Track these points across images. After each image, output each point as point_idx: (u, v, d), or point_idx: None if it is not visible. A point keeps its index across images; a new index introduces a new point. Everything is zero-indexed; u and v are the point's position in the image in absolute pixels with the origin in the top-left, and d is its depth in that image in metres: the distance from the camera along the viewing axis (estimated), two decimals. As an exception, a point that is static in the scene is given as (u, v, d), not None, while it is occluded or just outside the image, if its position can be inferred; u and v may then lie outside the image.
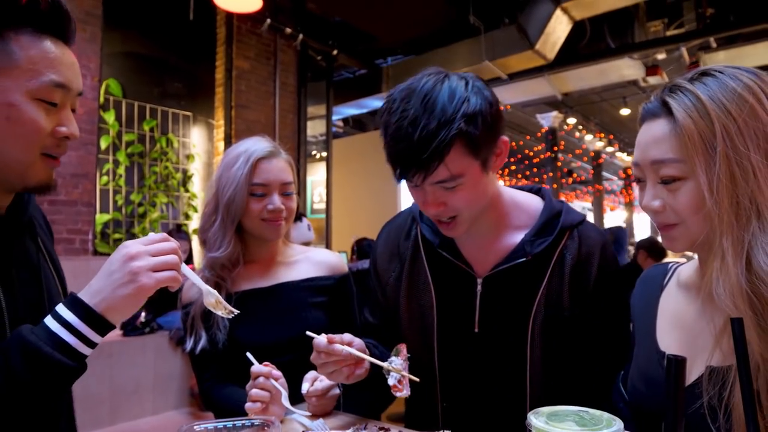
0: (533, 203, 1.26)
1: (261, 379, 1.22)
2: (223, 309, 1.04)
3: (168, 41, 5.78)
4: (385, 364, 1.11)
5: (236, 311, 1.04)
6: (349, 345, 1.13)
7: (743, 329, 0.60)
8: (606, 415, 0.72)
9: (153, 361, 4.31)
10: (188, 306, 1.51)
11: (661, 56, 7.58)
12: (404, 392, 1.10)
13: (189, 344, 1.47)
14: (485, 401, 1.20)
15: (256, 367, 1.25)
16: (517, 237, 1.21)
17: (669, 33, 7.52)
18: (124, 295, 0.84)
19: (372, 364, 1.14)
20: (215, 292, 1.02)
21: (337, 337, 1.13)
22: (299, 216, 6.80)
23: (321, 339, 1.12)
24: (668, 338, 1.00)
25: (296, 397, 1.28)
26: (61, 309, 0.84)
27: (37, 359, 0.79)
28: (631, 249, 8.08)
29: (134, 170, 5.41)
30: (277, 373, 1.25)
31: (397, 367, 1.11)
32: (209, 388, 1.48)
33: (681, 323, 0.99)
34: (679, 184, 0.88)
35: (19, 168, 0.92)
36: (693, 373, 0.91)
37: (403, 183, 1.13)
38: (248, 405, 1.21)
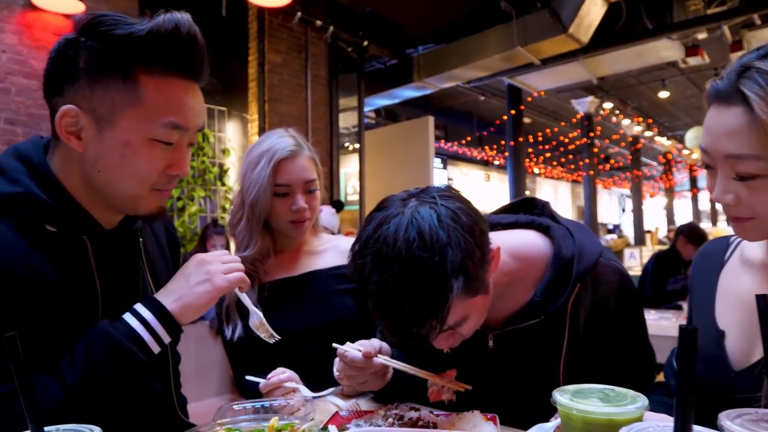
0: (540, 251, 1.16)
1: (278, 391, 1.24)
2: (265, 332, 1.11)
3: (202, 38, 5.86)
4: (431, 376, 1.09)
5: (277, 336, 1.11)
6: (379, 352, 1.12)
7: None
8: (631, 392, 0.72)
9: (194, 350, 4.43)
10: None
11: (701, 36, 7.29)
12: (444, 396, 1.09)
13: (227, 333, 1.51)
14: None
15: (264, 383, 1.26)
16: (527, 292, 1.14)
17: (710, 11, 7.20)
18: (200, 293, 0.96)
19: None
20: (260, 314, 1.10)
21: (370, 348, 1.12)
22: (340, 205, 6.85)
23: (356, 354, 1.11)
24: (728, 317, 0.95)
25: (329, 381, 1.31)
26: (139, 307, 0.94)
27: (117, 352, 0.88)
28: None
29: (173, 165, 5.54)
30: (285, 377, 1.26)
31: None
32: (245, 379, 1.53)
33: (745, 303, 0.92)
34: (760, 182, 0.78)
35: (130, 201, 0.99)
36: (754, 355, 0.86)
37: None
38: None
